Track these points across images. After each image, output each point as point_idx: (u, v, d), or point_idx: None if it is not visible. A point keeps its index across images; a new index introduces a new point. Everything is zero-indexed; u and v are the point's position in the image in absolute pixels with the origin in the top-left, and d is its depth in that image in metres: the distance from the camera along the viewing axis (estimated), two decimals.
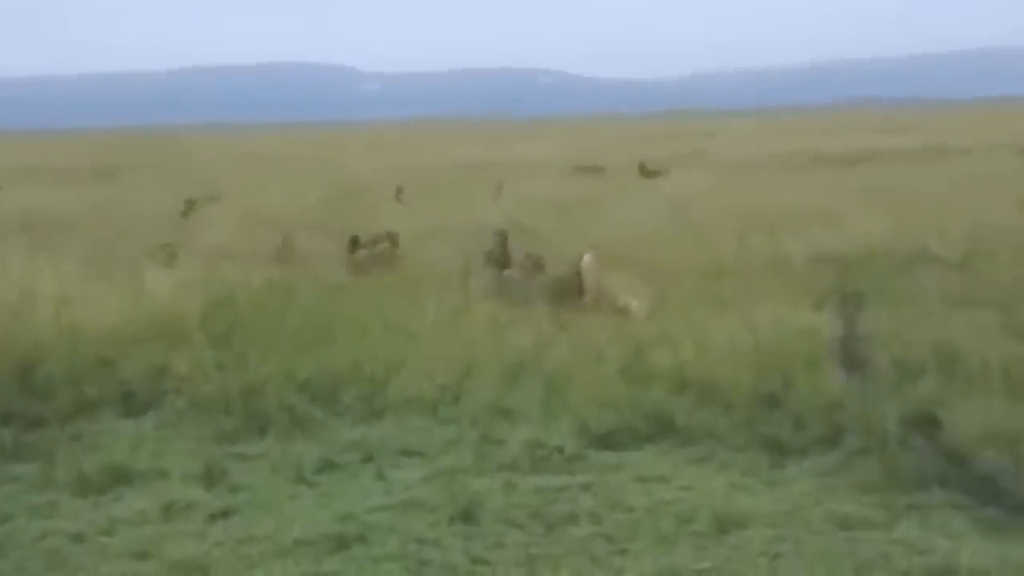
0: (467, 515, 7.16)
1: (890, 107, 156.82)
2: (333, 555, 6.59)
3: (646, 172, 32.82)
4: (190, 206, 22.41)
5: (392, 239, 16.49)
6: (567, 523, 7.10)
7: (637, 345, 10.66)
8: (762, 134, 60.10)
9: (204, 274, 13.41)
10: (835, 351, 10.03)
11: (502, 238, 15.29)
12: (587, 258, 13.88)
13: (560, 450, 8.52)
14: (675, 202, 22.80)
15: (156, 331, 11.10)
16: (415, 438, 8.99)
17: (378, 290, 13.39)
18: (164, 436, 9.24)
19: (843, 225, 18.24)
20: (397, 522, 7.10)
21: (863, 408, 8.67)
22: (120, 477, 8.16)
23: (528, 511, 7.28)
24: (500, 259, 14.93)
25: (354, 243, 16.12)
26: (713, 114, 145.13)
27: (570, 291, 13.61)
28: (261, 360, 10.39)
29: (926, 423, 8.37)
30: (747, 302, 11.91)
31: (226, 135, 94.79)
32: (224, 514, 7.40)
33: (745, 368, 9.89)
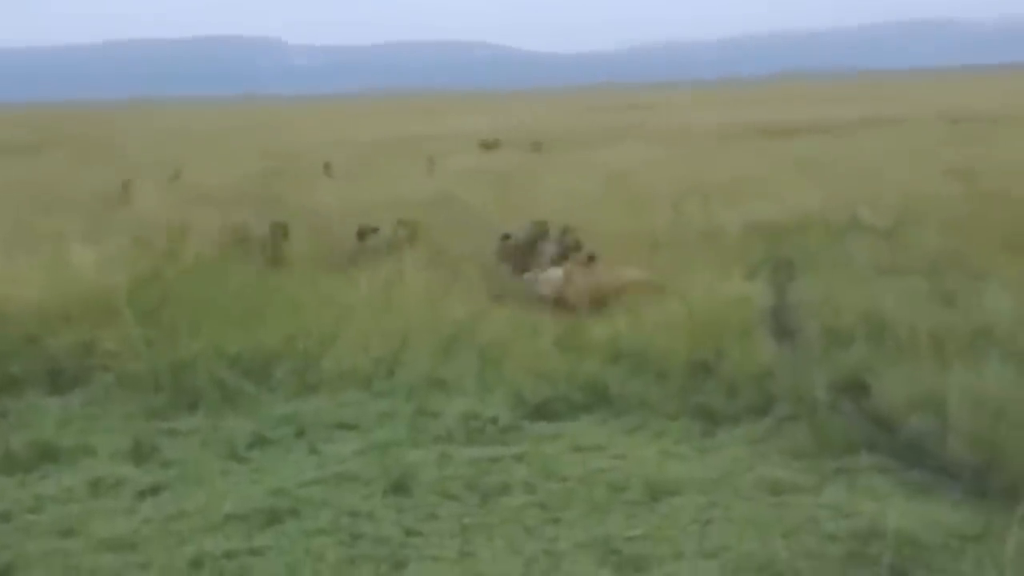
0: (401, 487, 7.14)
1: (825, 78, 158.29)
2: (265, 530, 6.54)
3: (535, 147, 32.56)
4: (126, 188, 21.88)
5: (407, 228, 14.89)
6: (501, 493, 7.10)
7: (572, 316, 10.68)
8: (699, 106, 60.46)
9: (132, 250, 13.21)
10: (766, 320, 10.12)
11: (539, 231, 13.68)
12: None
13: (495, 421, 8.52)
14: (612, 174, 22.84)
15: (83, 307, 10.93)
16: (349, 412, 8.94)
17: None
18: (92, 413, 9.12)
19: (776, 195, 18.36)
20: (330, 496, 7.06)
21: (793, 376, 8.74)
22: (47, 454, 8.04)
23: (462, 482, 7.27)
24: (523, 257, 13.26)
25: (362, 234, 14.61)
26: (650, 87, 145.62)
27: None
28: (191, 336, 10.26)
29: (855, 389, 8.47)
30: (681, 272, 11.96)
31: (155, 109, 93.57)
32: (154, 490, 7.31)
33: (678, 338, 9.94)
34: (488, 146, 33.71)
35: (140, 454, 8.03)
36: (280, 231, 14.50)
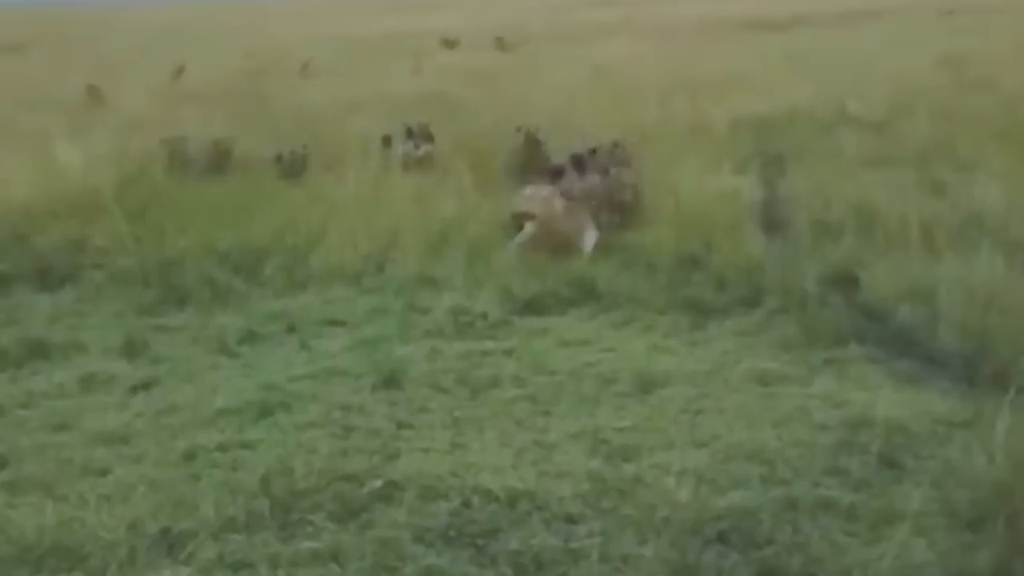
0: (391, 381, 7.15)
1: None
2: (256, 423, 6.55)
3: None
4: (94, 92, 21.48)
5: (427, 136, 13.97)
6: (492, 387, 7.11)
7: None
8: (688, 0, 59.59)
9: (118, 147, 13.10)
10: (756, 213, 10.11)
11: (531, 141, 12.56)
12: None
13: (484, 316, 8.51)
14: (599, 69, 22.63)
15: (70, 205, 10.89)
16: (339, 308, 8.94)
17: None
18: (82, 310, 9.12)
19: (765, 89, 18.26)
20: (321, 390, 7.07)
21: (783, 268, 8.75)
22: (37, 351, 8.05)
23: (453, 376, 7.28)
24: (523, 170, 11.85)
25: (387, 140, 13.72)
26: None
27: None
28: (180, 232, 10.23)
29: (844, 281, 8.49)
30: (669, 166, 11.89)
31: (141, 8, 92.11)
32: (145, 385, 7.32)
33: (667, 232, 9.93)
34: (450, 45, 32.87)
35: (131, 350, 8.03)
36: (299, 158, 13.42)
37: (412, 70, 25.52)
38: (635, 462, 5.80)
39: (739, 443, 5.94)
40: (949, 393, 6.57)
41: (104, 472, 5.92)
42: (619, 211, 10.44)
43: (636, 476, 5.60)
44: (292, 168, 13.00)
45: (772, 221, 9.78)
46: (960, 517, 5.08)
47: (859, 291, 8.32)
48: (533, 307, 8.79)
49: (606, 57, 25.52)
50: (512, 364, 7.53)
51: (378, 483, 5.57)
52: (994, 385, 6.33)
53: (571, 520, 5.18)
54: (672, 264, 9.36)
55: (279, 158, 13.16)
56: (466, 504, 5.37)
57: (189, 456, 6.07)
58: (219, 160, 13.24)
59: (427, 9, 62.69)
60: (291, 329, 8.52)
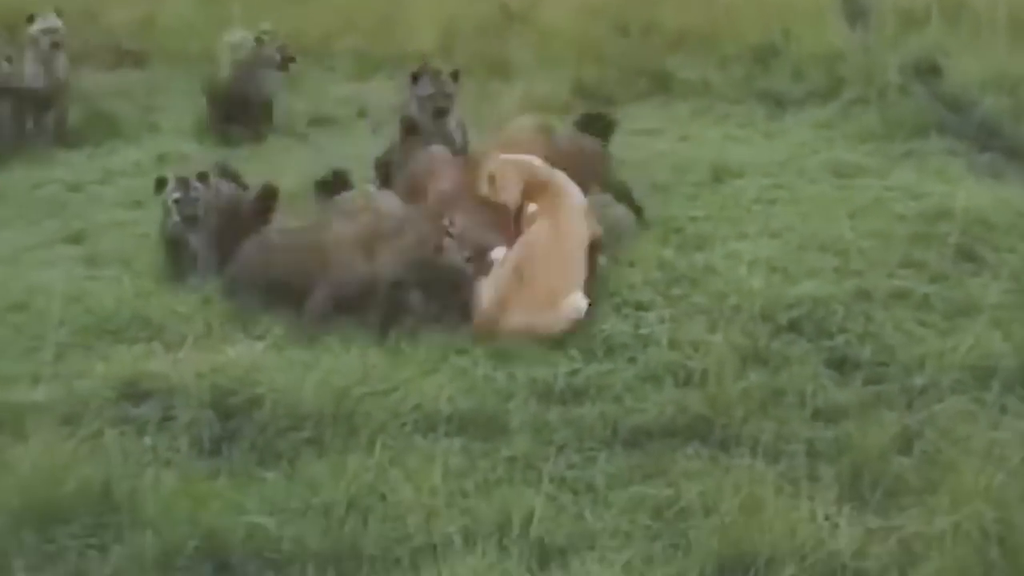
0: None
1: None
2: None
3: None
4: None
5: None
6: None
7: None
8: None
9: None
10: (838, 1, 9.76)
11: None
12: None
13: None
14: None
15: None
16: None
17: None
18: (152, 90, 9.14)
19: None
20: None
21: (864, 57, 8.50)
22: (112, 130, 8.13)
23: None
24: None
25: None
26: None
27: None
28: (247, 17, 10.09)
29: (927, 71, 8.23)
30: None
31: None
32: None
33: (745, 21, 9.64)
34: None
35: (202, 132, 8.05)
36: None
37: None
38: (707, 251, 5.75)
39: (813, 234, 5.86)
40: None
41: None
42: None
43: (707, 265, 5.55)
44: None
45: (854, 8, 9.42)
46: None
47: (942, 81, 8.06)
48: (603, 95, 8.62)
49: None
50: None
51: None
52: None
53: (641, 307, 5.16)
54: (749, 54, 9.13)
55: None
56: None
57: None
58: None
59: None
60: (361, 114, 8.48)
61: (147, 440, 4.06)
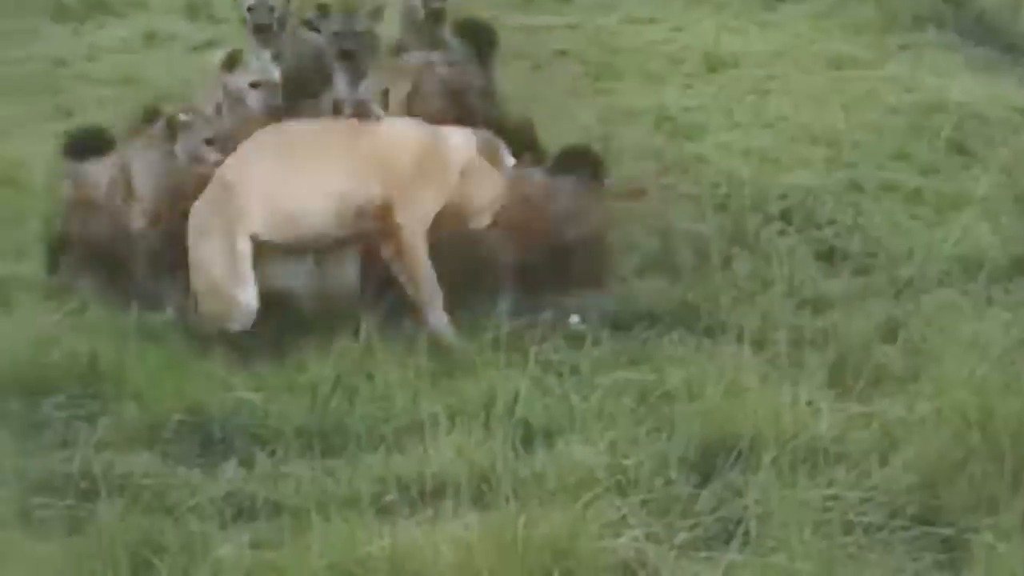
0: None
1: None
2: None
3: None
4: None
5: None
6: (554, 61, 6.98)
7: None
8: None
9: None
10: None
11: None
12: None
13: None
14: None
15: None
16: None
17: None
18: None
19: None
20: None
21: None
22: (101, 5, 8.02)
23: (514, 49, 7.11)
24: None
25: None
26: None
27: None
28: None
29: None
30: None
31: None
32: (208, 45, 7.23)
33: None
34: None
35: (192, 11, 7.94)
36: None
37: None
38: (699, 140, 5.74)
39: (806, 124, 5.85)
40: None
41: None
42: None
43: (699, 154, 5.55)
44: None
45: None
46: None
47: None
48: None
49: None
50: (576, 39, 7.36)
51: None
52: None
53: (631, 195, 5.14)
54: None
55: None
56: None
57: None
58: None
59: None
60: None
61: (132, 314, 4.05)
